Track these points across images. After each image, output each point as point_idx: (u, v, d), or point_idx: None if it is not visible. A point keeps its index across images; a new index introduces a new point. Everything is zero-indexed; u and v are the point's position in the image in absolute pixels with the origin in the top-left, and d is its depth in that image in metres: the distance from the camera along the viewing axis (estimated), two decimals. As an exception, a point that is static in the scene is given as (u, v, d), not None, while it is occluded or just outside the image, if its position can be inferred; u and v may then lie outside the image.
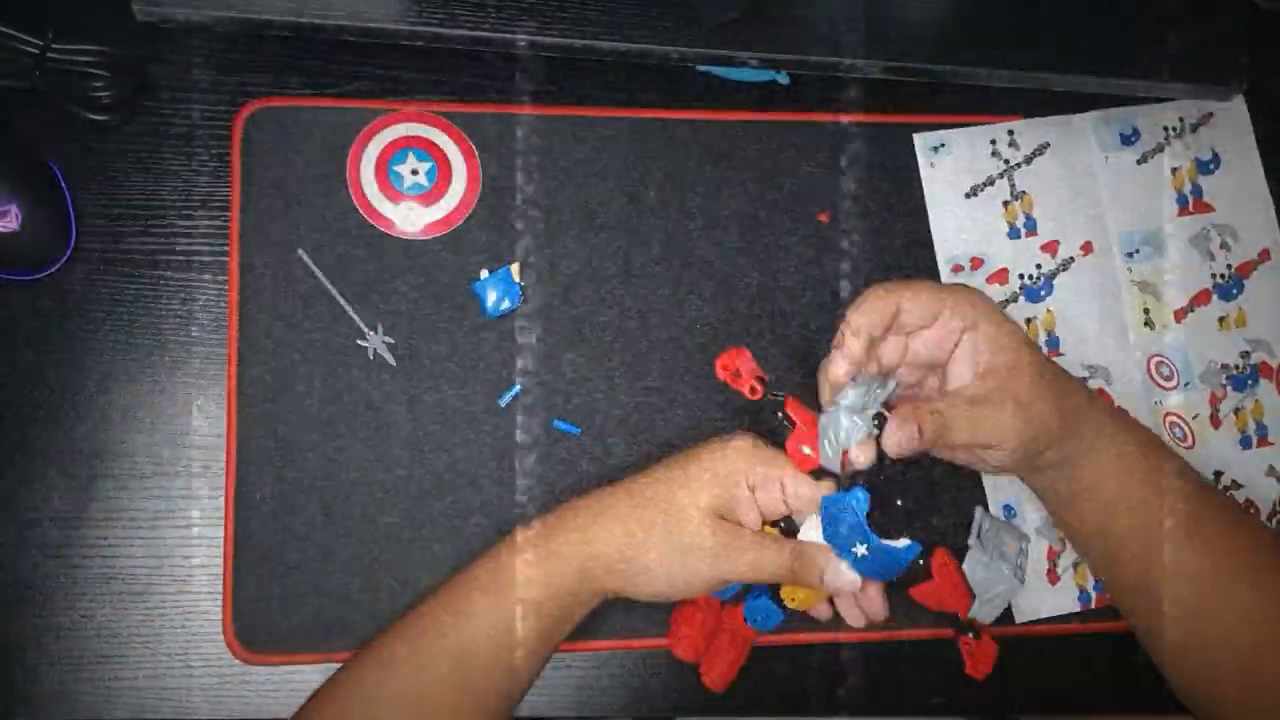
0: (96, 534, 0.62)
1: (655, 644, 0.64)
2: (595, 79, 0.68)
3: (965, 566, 0.61)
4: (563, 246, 0.67)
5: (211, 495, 0.63)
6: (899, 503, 0.67)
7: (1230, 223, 0.71)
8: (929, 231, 0.70)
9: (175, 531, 0.63)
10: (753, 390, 0.64)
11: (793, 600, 0.60)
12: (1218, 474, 0.69)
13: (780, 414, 0.60)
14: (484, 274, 0.65)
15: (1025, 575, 0.63)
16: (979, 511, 0.64)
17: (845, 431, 0.55)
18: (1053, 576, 0.67)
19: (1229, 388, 0.70)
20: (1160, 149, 0.72)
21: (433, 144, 0.66)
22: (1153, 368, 0.69)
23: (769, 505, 0.59)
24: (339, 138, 0.65)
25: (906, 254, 0.69)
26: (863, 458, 0.55)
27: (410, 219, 0.65)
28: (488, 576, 0.57)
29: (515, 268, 0.65)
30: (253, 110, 0.65)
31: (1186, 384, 0.70)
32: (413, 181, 0.66)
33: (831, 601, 0.61)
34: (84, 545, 0.62)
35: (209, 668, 0.62)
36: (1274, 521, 0.69)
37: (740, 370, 0.65)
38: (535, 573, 0.56)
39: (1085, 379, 0.69)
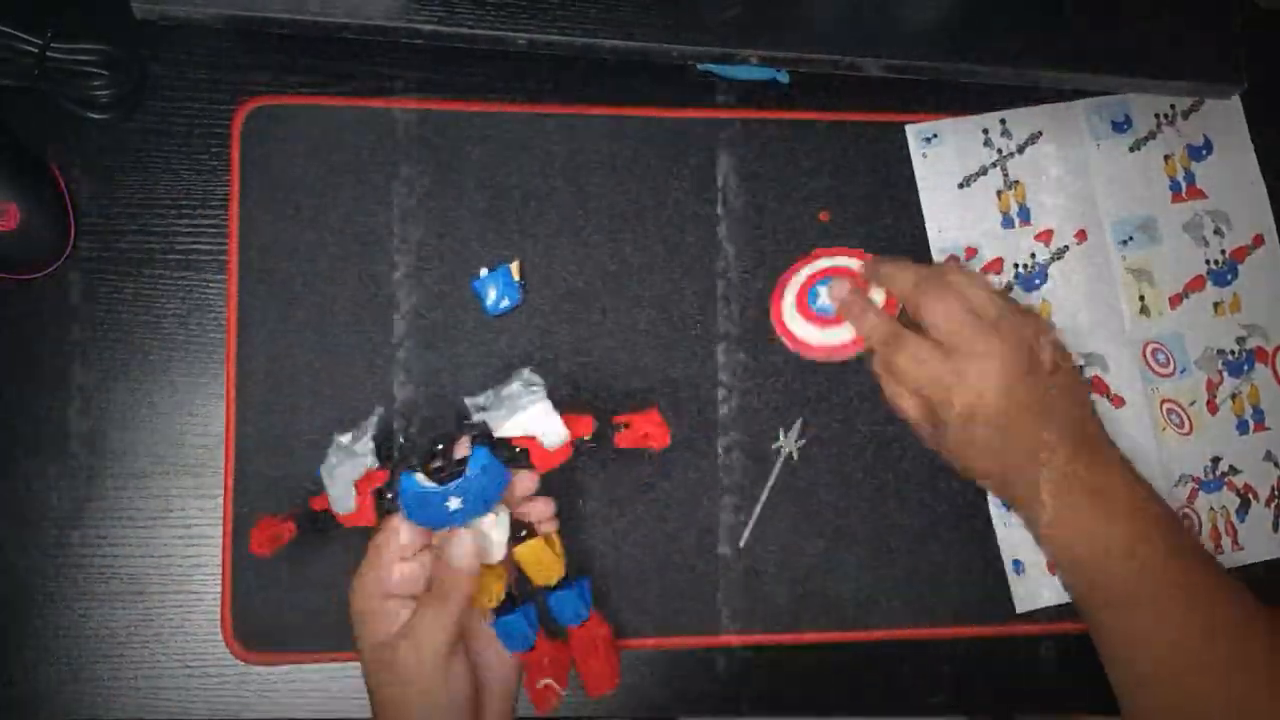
0: (96, 533, 0.62)
1: (655, 644, 0.64)
2: (595, 77, 0.68)
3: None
4: (563, 244, 0.66)
5: (211, 495, 0.63)
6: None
7: (1223, 209, 0.71)
8: (923, 224, 0.69)
9: (175, 531, 0.63)
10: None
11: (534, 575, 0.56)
12: (1216, 459, 0.69)
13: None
14: (483, 272, 0.65)
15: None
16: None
17: (340, 469, 0.57)
18: (1052, 567, 0.66)
19: (1225, 373, 0.70)
20: (1152, 136, 0.72)
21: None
22: (1149, 355, 0.69)
23: (415, 574, 0.54)
24: (339, 136, 0.65)
25: (901, 247, 0.69)
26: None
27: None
28: None
29: (515, 266, 0.65)
30: (252, 108, 0.65)
31: (1183, 370, 0.70)
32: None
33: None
34: (83, 545, 0.62)
35: (209, 668, 0.62)
36: (1272, 506, 0.69)
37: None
38: None
39: (1081, 367, 0.69)
